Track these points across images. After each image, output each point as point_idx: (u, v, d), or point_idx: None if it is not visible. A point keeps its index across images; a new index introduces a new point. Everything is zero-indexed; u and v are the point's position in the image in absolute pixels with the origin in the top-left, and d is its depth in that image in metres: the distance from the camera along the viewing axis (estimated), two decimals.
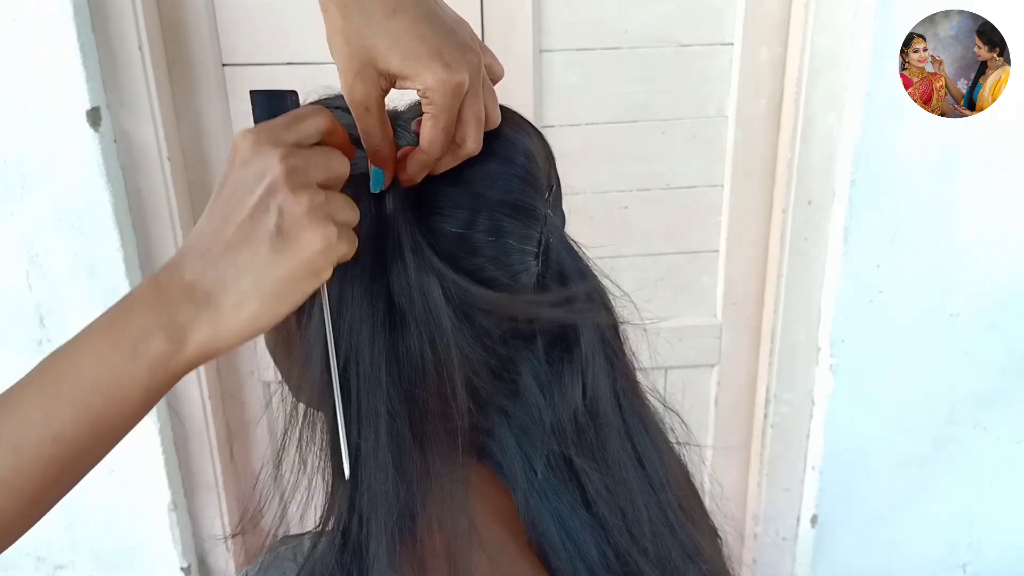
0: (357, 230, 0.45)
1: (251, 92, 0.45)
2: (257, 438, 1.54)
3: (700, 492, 0.64)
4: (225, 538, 1.42)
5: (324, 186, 0.43)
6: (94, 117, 1.19)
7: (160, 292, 0.41)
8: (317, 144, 0.44)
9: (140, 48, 1.22)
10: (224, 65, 1.32)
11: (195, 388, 1.41)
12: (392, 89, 0.47)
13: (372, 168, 0.47)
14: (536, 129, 0.54)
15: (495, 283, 0.50)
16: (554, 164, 0.55)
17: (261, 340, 0.52)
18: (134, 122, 1.25)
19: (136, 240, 1.30)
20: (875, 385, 1.48)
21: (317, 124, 0.44)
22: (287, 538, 0.57)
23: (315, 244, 0.41)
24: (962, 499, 1.59)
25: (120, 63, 1.22)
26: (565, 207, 0.59)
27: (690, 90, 1.38)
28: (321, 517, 0.50)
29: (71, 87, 1.17)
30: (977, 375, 1.48)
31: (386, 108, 0.48)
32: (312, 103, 0.53)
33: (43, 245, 1.25)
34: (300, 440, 0.52)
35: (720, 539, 0.65)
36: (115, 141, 1.24)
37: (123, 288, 1.28)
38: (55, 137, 1.20)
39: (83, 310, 1.29)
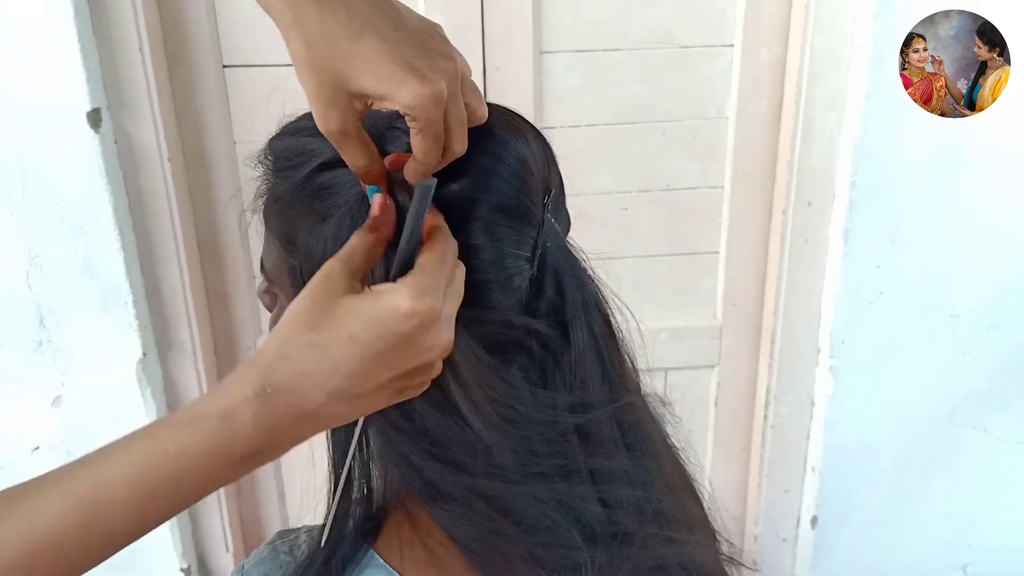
0: None
1: (421, 186, 0.45)
2: None
3: (700, 495, 0.64)
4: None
5: None
6: (95, 118, 1.19)
7: (277, 417, 0.42)
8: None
9: (141, 49, 1.22)
10: (225, 66, 1.32)
11: (195, 389, 1.41)
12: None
13: (367, 187, 0.47)
14: (537, 132, 0.54)
15: (488, 285, 0.50)
16: (555, 167, 0.55)
17: (261, 342, 0.53)
18: (135, 123, 1.25)
19: (136, 241, 1.30)
20: (875, 386, 1.48)
21: (461, 277, 0.46)
22: (283, 532, 0.58)
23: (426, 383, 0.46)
24: (962, 500, 1.59)
25: (121, 64, 1.22)
26: (567, 208, 0.58)
27: (690, 91, 1.38)
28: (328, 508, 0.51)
29: (72, 88, 1.17)
30: (977, 376, 1.48)
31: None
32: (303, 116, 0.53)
33: (43, 246, 1.25)
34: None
35: (719, 543, 0.65)
36: (115, 142, 1.24)
37: (123, 288, 1.28)
38: (56, 138, 1.20)
39: (83, 310, 1.29)
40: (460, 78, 0.45)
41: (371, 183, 0.47)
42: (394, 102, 0.43)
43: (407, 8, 0.46)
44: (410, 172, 0.46)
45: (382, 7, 0.44)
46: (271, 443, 0.43)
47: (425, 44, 0.44)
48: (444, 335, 0.44)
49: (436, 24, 0.47)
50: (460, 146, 0.46)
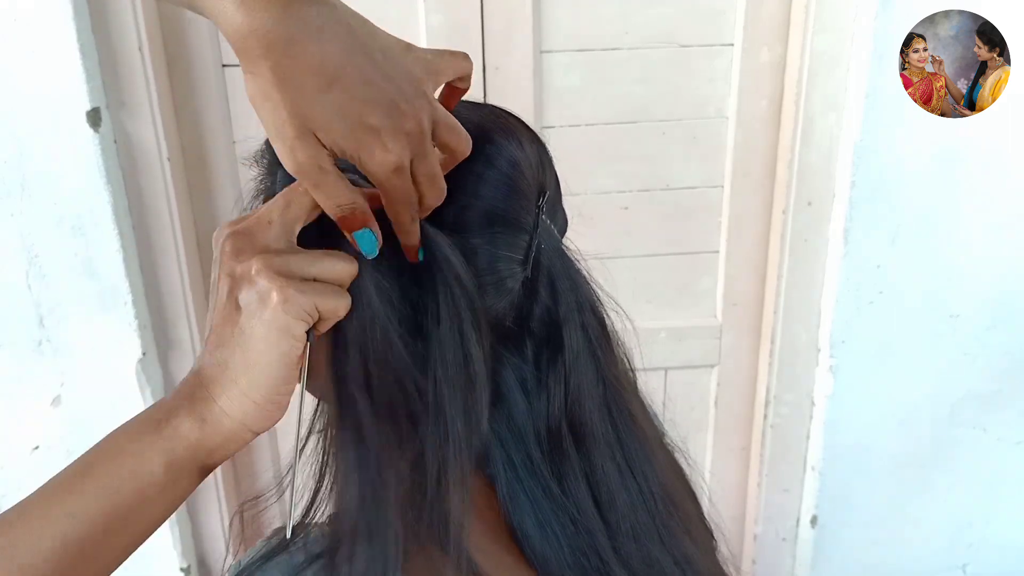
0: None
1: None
2: (257, 439, 1.54)
3: (698, 495, 0.64)
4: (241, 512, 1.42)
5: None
6: (94, 118, 1.19)
7: (181, 383, 0.45)
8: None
9: (140, 49, 1.22)
10: (224, 66, 1.32)
11: None
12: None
13: (355, 235, 0.46)
14: (532, 133, 0.54)
15: (481, 289, 0.50)
16: (550, 168, 0.55)
17: None
18: (134, 123, 1.25)
19: (136, 241, 1.30)
20: (875, 386, 1.48)
21: (295, 214, 0.45)
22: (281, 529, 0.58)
23: (269, 301, 0.43)
24: (962, 500, 1.59)
25: (120, 64, 1.22)
26: (566, 208, 0.58)
27: (690, 91, 1.38)
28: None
29: (71, 88, 1.17)
30: (977, 376, 1.48)
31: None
32: None
33: (43, 246, 1.25)
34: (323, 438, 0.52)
35: (716, 541, 0.65)
36: (115, 142, 1.24)
37: (123, 288, 1.28)
38: (55, 138, 1.20)
39: (83, 310, 1.29)
40: (432, 127, 0.44)
41: (359, 225, 0.45)
42: (358, 164, 0.43)
43: (384, 42, 0.45)
44: (400, 233, 0.46)
45: (356, 54, 0.42)
46: (184, 403, 0.44)
47: (393, 102, 0.42)
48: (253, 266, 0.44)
49: (408, 54, 0.45)
50: (433, 199, 0.47)
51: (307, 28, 0.41)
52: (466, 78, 0.49)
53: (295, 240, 0.46)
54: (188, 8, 0.44)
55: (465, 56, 0.49)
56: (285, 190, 0.46)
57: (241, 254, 0.44)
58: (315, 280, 0.45)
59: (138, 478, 0.43)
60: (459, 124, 0.47)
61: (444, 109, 0.46)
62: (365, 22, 0.45)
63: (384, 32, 0.46)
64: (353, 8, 0.46)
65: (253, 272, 0.43)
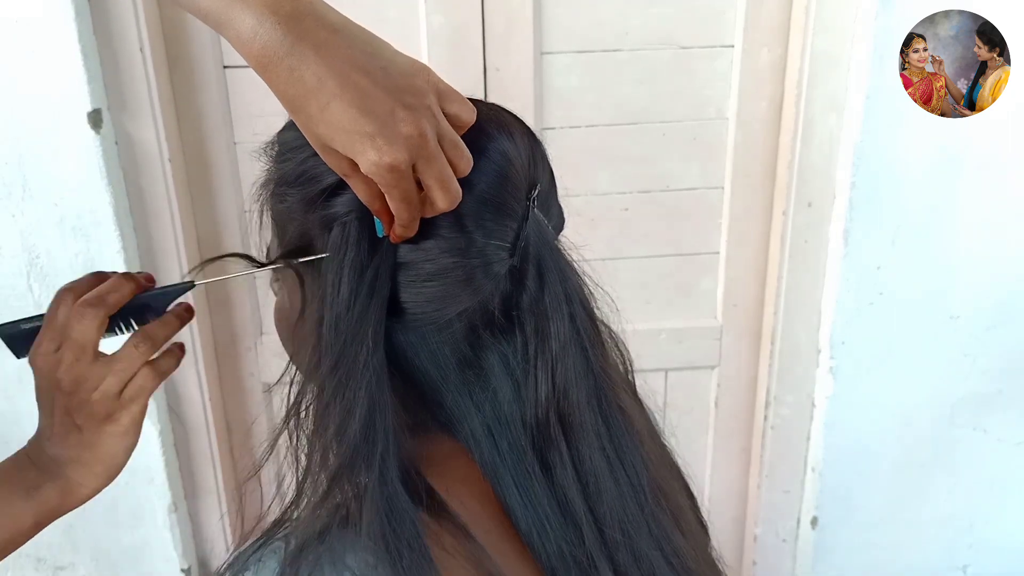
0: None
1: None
2: (257, 439, 1.54)
3: (692, 489, 0.65)
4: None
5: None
6: (95, 119, 1.20)
7: (38, 461, 0.60)
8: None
9: (141, 50, 1.22)
10: (225, 67, 1.32)
11: (195, 390, 1.41)
12: None
13: (375, 219, 0.50)
14: (525, 128, 0.55)
15: (468, 273, 0.51)
16: (544, 164, 0.56)
17: (261, 342, 0.54)
18: (135, 124, 1.25)
19: (137, 242, 1.30)
20: (875, 387, 1.48)
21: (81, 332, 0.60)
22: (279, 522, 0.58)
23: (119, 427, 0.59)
24: (962, 501, 1.59)
25: (121, 65, 1.22)
26: (566, 209, 0.59)
27: (690, 92, 1.38)
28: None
29: (72, 89, 1.17)
30: (977, 377, 1.48)
31: None
32: None
33: (44, 246, 1.25)
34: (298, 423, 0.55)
35: (709, 537, 0.65)
36: (116, 143, 1.24)
37: None
38: (56, 139, 1.20)
39: None
40: (435, 135, 0.46)
41: (378, 216, 0.50)
42: (361, 169, 0.46)
43: (390, 57, 0.47)
44: (397, 229, 0.49)
45: (353, 71, 0.45)
46: (47, 479, 0.60)
47: (391, 111, 0.45)
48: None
49: (418, 72, 0.47)
50: (444, 201, 0.48)
51: (304, 57, 0.45)
52: (463, 126, 0.50)
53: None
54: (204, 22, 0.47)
55: (472, 109, 0.50)
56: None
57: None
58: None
59: (14, 530, 0.59)
60: (463, 144, 0.49)
61: (451, 128, 0.48)
62: (371, 42, 0.47)
63: (396, 52, 0.48)
64: (357, 12, 0.47)
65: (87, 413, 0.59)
